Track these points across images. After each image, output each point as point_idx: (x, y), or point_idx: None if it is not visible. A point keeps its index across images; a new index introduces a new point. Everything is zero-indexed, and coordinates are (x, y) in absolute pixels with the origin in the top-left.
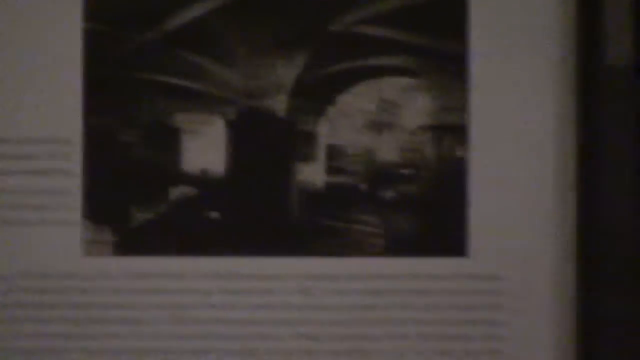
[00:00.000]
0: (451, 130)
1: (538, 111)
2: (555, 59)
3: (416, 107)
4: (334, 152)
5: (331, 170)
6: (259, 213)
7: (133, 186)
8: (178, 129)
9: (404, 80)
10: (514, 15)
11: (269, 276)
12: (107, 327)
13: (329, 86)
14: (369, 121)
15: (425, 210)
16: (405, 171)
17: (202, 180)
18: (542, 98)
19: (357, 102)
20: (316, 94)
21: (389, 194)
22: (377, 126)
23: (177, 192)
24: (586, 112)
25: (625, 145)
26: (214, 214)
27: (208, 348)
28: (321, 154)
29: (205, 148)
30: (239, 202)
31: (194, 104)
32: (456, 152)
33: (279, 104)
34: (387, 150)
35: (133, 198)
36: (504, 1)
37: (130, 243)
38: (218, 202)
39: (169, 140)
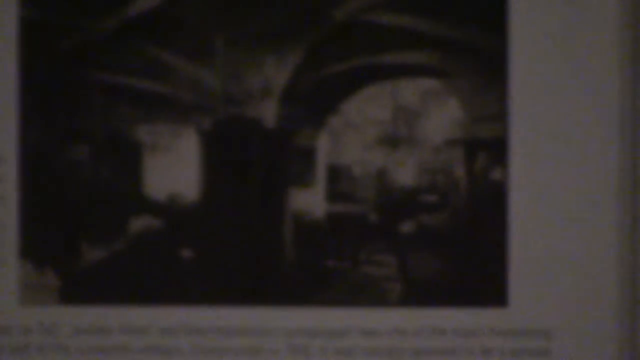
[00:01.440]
0: (486, 146)
1: (594, 123)
2: (612, 56)
3: (442, 116)
4: (336, 174)
5: (333, 196)
6: (241, 251)
7: (83, 217)
8: (139, 144)
9: (427, 83)
10: (563, 5)
11: (253, 331)
12: None
13: (331, 90)
14: (381, 135)
15: (454, 249)
16: (428, 198)
17: (169, 209)
18: (598, 103)
19: (367, 110)
20: (314, 100)
21: (407, 227)
22: (392, 141)
23: (138, 224)
24: None
25: None
26: (185, 253)
27: None
28: (321, 176)
29: (173, 168)
30: (217, 238)
31: (159, 112)
32: (492, 174)
33: (267, 112)
34: (405, 171)
35: (83, 232)
36: None
37: (80, 289)
38: (190, 237)
39: (128, 158)
